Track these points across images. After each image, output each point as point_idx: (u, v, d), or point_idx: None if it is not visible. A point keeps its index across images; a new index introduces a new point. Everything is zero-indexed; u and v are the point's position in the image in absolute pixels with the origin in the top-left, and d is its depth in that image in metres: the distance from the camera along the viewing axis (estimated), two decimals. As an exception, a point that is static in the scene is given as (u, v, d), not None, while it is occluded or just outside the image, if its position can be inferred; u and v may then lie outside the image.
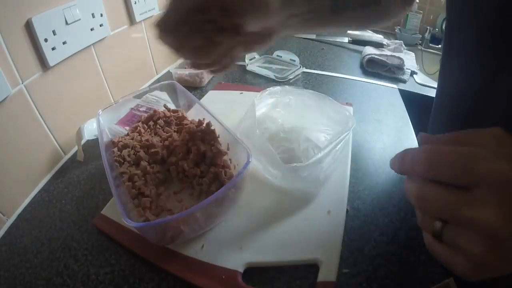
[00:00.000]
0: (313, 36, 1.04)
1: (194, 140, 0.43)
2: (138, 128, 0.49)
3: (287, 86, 0.55)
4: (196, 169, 0.41)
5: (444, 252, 0.22)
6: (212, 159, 0.42)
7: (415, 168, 0.22)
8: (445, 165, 0.21)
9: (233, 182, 0.35)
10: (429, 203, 0.22)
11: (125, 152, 0.44)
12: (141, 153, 0.43)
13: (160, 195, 0.40)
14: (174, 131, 0.49)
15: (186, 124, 0.49)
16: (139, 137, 0.47)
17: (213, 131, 0.44)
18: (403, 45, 0.97)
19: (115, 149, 0.44)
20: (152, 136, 0.48)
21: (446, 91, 0.42)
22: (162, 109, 0.58)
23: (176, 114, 0.51)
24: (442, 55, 0.42)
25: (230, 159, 0.44)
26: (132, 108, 0.59)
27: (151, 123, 0.51)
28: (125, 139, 0.46)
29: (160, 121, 0.50)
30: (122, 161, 0.43)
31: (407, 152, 0.23)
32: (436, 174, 0.21)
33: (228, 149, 0.44)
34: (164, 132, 0.48)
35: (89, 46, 0.57)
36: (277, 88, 0.54)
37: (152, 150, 0.44)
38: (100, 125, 0.47)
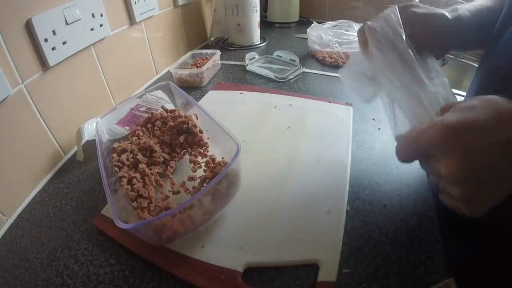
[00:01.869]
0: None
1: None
2: (137, 131, 0.50)
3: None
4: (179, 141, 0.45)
5: (449, 200, 0.27)
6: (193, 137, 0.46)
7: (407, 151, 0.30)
8: (410, 146, 0.28)
9: (224, 172, 0.35)
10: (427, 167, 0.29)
11: (123, 156, 0.44)
12: (139, 156, 0.44)
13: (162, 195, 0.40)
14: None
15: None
16: (137, 140, 0.47)
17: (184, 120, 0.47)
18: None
19: (115, 155, 0.45)
20: (150, 138, 0.48)
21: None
22: (161, 109, 0.58)
23: (173, 114, 0.51)
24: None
25: (223, 157, 0.44)
26: (132, 108, 0.60)
27: (149, 125, 0.51)
28: (124, 144, 0.47)
29: (158, 123, 0.50)
30: (121, 166, 0.43)
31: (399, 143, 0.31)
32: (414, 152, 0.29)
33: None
34: (161, 132, 0.49)
35: (89, 46, 0.57)
36: None
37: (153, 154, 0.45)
38: (98, 131, 0.47)
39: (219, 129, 0.43)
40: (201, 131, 0.47)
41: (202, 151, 0.47)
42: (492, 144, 0.23)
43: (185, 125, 0.46)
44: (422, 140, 0.27)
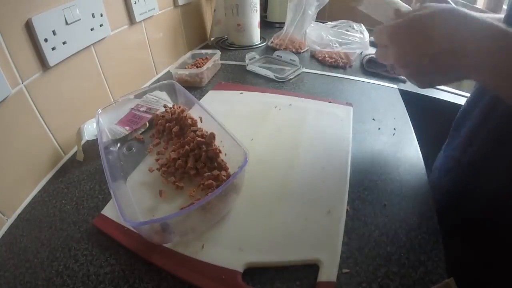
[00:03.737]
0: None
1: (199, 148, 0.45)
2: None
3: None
4: (203, 170, 0.43)
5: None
6: (212, 159, 0.43)
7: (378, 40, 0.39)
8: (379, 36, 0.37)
9: (229, 181, 0.35)
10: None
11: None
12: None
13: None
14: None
15: (188, 125, 0.51)
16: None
17: (213, 136, 0.46)
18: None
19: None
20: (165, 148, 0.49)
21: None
22: (162, 109, 0.58)
23: (194, 127, 0.51)
24: None
25: (222, 157, 0.45)
26: (132, 108, 0.60)
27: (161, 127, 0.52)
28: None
29: (175, 128, 0.51)
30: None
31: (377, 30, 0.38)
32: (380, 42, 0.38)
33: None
34: (179, 144, 0.48)
35: (89, 46, 0.57)
36: None
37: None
38: (99, 124, 0.47)
39: (223, 132, 0.44)
40: (220, 150, 0.45)
41: (221, 173, 0.43)
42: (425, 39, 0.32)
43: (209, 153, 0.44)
44: (382, 35, 0.36)
